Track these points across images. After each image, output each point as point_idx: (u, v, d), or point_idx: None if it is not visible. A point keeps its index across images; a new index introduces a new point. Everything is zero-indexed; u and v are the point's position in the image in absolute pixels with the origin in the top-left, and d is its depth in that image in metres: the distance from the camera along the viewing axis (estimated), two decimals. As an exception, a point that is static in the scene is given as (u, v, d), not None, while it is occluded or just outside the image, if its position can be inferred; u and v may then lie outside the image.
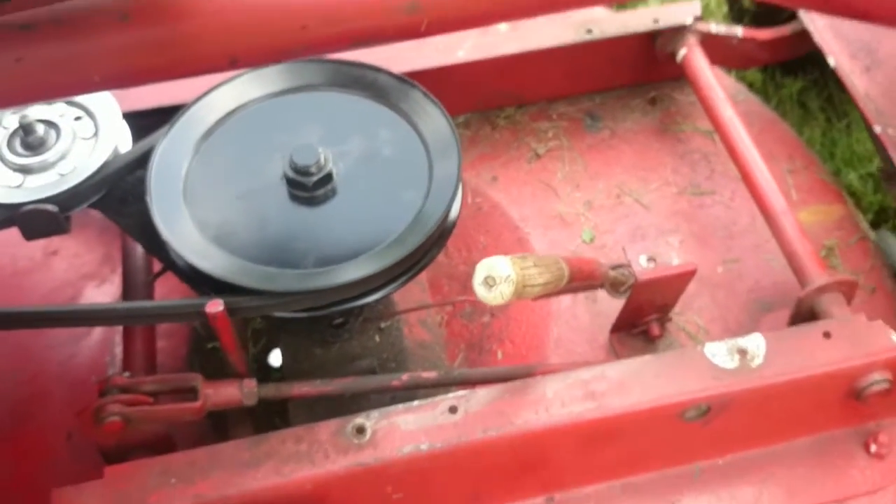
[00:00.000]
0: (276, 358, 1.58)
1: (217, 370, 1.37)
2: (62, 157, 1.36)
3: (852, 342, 1.30)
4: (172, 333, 1.59)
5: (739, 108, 1.74)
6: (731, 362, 1.27)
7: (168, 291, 1.54)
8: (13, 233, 1.70)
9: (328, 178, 1.33)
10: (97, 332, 1.59)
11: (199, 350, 1.58)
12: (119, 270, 1.66)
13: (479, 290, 1.09)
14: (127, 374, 1.28)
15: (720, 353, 1.28)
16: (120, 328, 1.58)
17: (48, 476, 1.44)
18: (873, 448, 1.37)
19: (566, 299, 1.60)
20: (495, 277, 1.08)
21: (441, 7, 1.11)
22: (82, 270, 1.67)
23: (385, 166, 1.38)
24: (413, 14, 1.09)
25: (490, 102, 1.90)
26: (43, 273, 1.68)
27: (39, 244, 1.71)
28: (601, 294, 1.57)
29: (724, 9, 2.47)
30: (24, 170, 1.35)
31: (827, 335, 1.31)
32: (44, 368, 1.56)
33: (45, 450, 1.48)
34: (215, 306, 1.19)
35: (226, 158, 1.37)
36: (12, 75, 1.04)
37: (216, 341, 1.57)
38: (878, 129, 1.63)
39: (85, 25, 1.03)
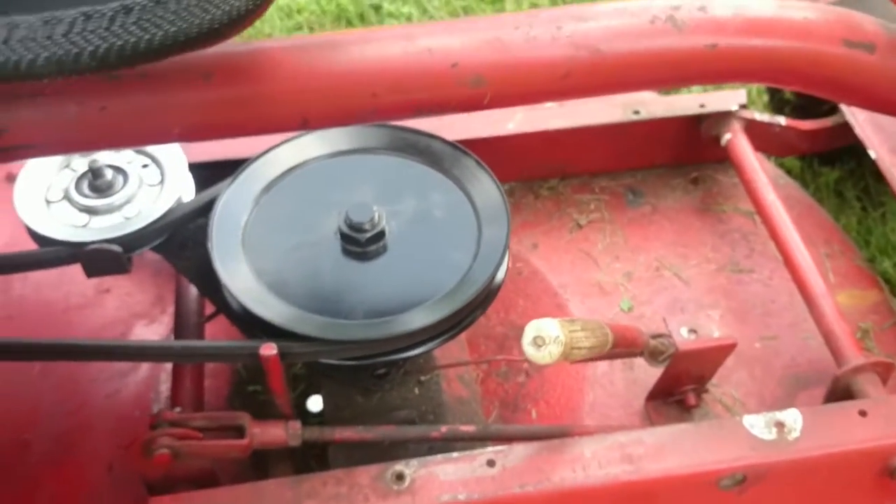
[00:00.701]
0: (314, 403, 1.61)
1: (256, 412, 1.40)
2: (128, 202, 1.43)
3: (888, 421, 1.32)
4: (216, 374, 1.64)
5: (779, 192, 1.78)
6: (769, 434, 1.29)
7: (216, 334, 1.58)
8: (68, 269, 1.77)
9: (381, 235, 1.39)
10: (143, 368, 1.64)
11: (240, 392, 1.62)
12: (169, 311, 1.72)
13: (528, 350, 1.13)
14: (178, 409, 1.32)
15: (758, 424, 1.30)
16: (165, 367, 1.63)
17: (87, 505, 1.48)
18: (906, 529, 1.37)
19: (603, 365, 1.63)
20: (545, 338, 1.12)
21: (504, 82, 1.16)
22: (133, 309, 1.73)
23: (435, 228, 1.43)
24: (478, 87, 1.14)
25: (534, 173, 1.96)
26: (94, 310, 1.73)
27: (93, 282, 1.76)
28: (637, 362, 1.60)
29: (765, 98, 2.53)
30: (91, 211, 1.41)
31: (863, 413, 1.32)
32: (89, 401, 1.60)
33: (87, 480, 1.51)
34: (269, 350, 1.24)
35: (284, 212, 1.43)
36: (96, 122, 1.10)
37: (257, 384, 1.63)
38: (917, 219, 1.67)
39: (169, 80, 1.09)
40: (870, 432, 1.31)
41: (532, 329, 1.11)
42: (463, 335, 1.68)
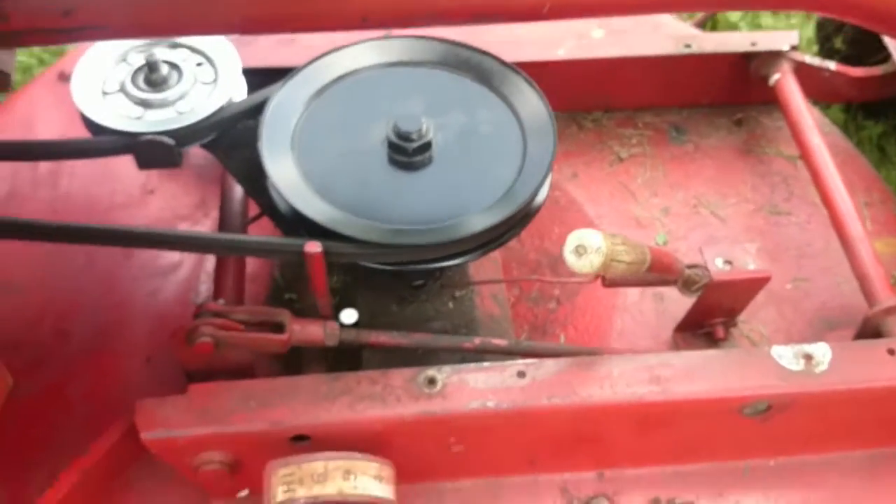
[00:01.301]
0: (347, 316, 1.63)
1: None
2: (181, 97, 1.45)
3: (916, 362, 1.33)
4: (254, 279, 1.67)
5: (823, 139, 1.77)
6: (796, 365, 1.31)
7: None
8: (114, 168, 1.81)
9: (427, 146, 1.40)
10: (184, 269, 1.68)
11: (277, 299, 1.66)
12: (212, 216, 1.75)
13: (570, 258, 1.15)
14: (221, 301, 1.35)
15: (787, 355, 1.32)
16: (206, 268, 1.67)
17: (124, 395, 1.52)
18: (925, 470, 1.39)
19: (633, 294, 1.65)
20: (587, 247, 1.14)
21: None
22: (177, 211, 1.76)
23: (481, 143, 1.45)
24: (537, -6, 1.14)
25: (579, 104, 1.96)
26: (139, 209, 1.77)
27: (138, 182, 1.80)
28: (668, 293, 1.62)
29: (814, 49, 2.50)
30: (145, 104, 1.44)
31: (892, 352, 1.33)
32: (129, 298, 1.65)
33: (124, 371, 1.55)
34: (314, 247, 1.26)
35: (333, 117, 1.45)
36: (163, 6, 1.12)
37: (293, 292, 1.67)
38: (961, 169, 1.66)
39: (232, -28, 1.11)
40: (897, 371, 1.32)
41: (574, 238, 1.13)
42: (499, 257, 1.71)
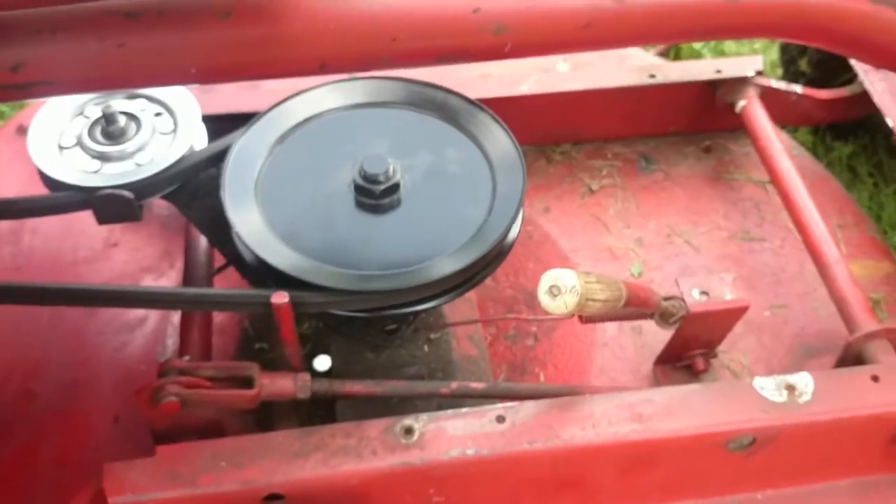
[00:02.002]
0: (321, 363, 1.59)
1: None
2: (140, 149, 1.41)
3: (900, 387, 1.31)
4: (223, 331, 1.63)
5: (793, 162, 1.77)
6: (779, 396, 1.28)
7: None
8: (76, 222, 1.76)
9: (395, 188, 1.38)
10: (151, 322, 1.63)
11: (247, 349, 1.62)
12: (177, 266, 1.71)
13: (544, 299, 1.12)
14: (186, 357, 1.31)
15: (769, 387, 1.29)
16: (172, 321, 1.63)
17: (93, 456, 1.47)
18: (914, 497, 1.37)
19: (612, 329, 1.63)
20: (560, 287, 1.11)
21: (526, 31, 1.14)
22: (142, 263, 1.72)
23: (450, 183, 1.42)
24: (499, 35, 1.13)
25: (548, 137, 1.95)
26: (102, 263, 1.72)
27: (101, 235, 1.76)
28: (646, 326, 1.59)
29: (779, 72, 2.52)
30: (103, 157, 1.40)
31: (875, 378, 1.32)
32: (96, 353, 1.60)
33: (93, 431, 1.51)
34: (281, 298, 1.23)
35: (298, 162, 1.42)
36: (114, 60, 1.09)
37: (265, 342, 1.62)
38: (932, 188, 1.65)
39: (187, 19, 1.08)
40: (882, 398, 1.30)
41: (549, 278, 1.10)
42: (473, 296, 1.68)
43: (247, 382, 1.27)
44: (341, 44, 1.09)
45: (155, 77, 1.14)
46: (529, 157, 1.94)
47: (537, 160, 1.94)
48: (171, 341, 1.62)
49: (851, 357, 1.43)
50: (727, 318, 1.42)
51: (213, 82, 1.15)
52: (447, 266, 1.30)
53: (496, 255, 1.38)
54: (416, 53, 1.12)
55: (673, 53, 2.68)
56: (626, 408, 1.28)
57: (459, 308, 1.61)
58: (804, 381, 1.30)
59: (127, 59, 1.09)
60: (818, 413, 1.27)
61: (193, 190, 1.41)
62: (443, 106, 1.48)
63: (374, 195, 1.35)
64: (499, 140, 1.44)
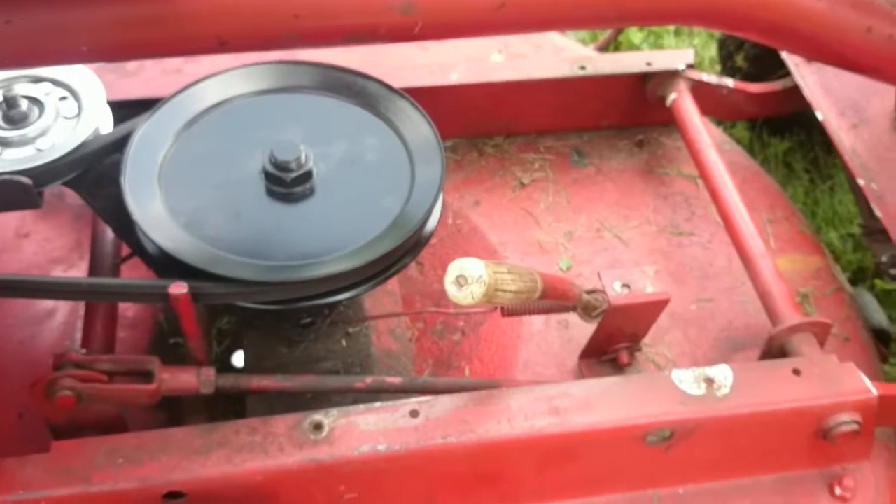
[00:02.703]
0: (239, 359, 1.56)
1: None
2: (42, 134, 1.36)
3: (822, 381, 1.29)
4: (136, 324, 1.57)
5: (725, 157, 1.75)
6: (697, 389, 1.26)
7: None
8: (-14, 214, 1.69)
9: (307, 175, 1.33)
10: (59, 314, 1.57)
11: (161, 344, 1.56)
12: (88, 258, 1.64)
13: (450, 289, 1.08)
14: (83, 350, 1.25)
15: (687, 379, 1.27)
16: (81, 314, 1.56)
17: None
18: (838, 491, 1.35)
19: (538, 323, 1.59)
20: (467, 277, 1.07)
21: (436, 11, 1.11)
22: (52, 255, 1.65)
23: (367, 171, 1.38)
24: (408, 15, 1.09)
25: (479, 130, 1.91)
26: (12, 254, 1.65)
27: (11, 225, 1.69)
28: (573, 320, 1.56)
29: (718, 68, 2.51)
30: (3, 142, 1.34)
31: (797, 372, 1.30)
32: (2, 346, 1.53)
33: (-5, 426, 1.44)
34: (179, 288, 1.17)
35: (205, 149, 1.37)
36: (6, 39, 1.04)
37: (179, 336, 1.57)
38: (861, 182, 1.65)
39: (78, -6, 1.03)
40: (803, 391, 1.28)
41: (455, 268, 1.06)
42: (397, 290, 1.64)
43: (147, 377, 1.22)
44: (241, 20, 1.05)
45: (44, 56, 1.09)
46: (461, 150, 1.91)
47: (469, 153, 1.91)
48: (81, 335, 1.55)
49: (775, 350, 1.41)
50: (649, 311, 1.39)
51: (108, 61, 1.11)
52: (359, 257, 1.25)
53: (413, 246, 1.34)
54: (320, 32, 1.08)
55: (612, 48, 2.66)
56: (543, 401, 1.25)
57: (382, 302, 1.57)
58: (723, 374, 1.27)
59: (15, 36, 1.04)
60: (736, 406, 1.25)
61: (97, 177, 1.35)
62: (361, 92, 1.44)
63: (284, 183, 1.31)
64: (418, 128, 1.40)
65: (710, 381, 1.26)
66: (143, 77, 1.83)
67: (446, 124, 1.70)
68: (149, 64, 1.97)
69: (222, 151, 1.35)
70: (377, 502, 1.26)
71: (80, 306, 1.58)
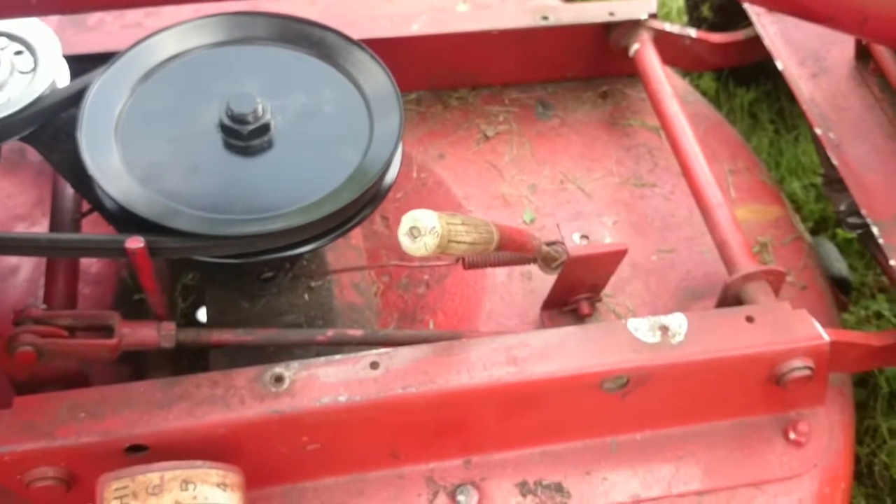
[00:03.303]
0: (203, 315, 1.56)
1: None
2: (-3, 88, 1.34)
3: (775, 328, 1.32)
4: (100, 280, 1.57)
5: (688, 108, 1.76)
6: (652, 337, 1.28)
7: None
8: (-55, 172, 1.67)
9: (265, 128, 1.33)
10: (23, 272, 1.56)
11: (125, 300, 1.56)
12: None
13: (404, 241, 1.09)
14: (43, 306, 1.25)
15: (642, 328, 1.29)
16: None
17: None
18: (792, 435, 1.38)
19: (501, 275, 1.61)
20: (420, 228, 1.08)
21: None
22: (14, 212, 1.64)
23: (325, 123, 1.38)
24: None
25: (443, 82, 1.90)
26: (-28, 212, 1.65)
27: (-28, 184, 1.68)
28: (536, 272, 1.58)
29: (685, 19, 2.50)
30: (-43, 98, 1.33)
31: (750, 319, 1.32)
32: (-35, 305, 1.53)
33: (-42, 386, 1.44)
34: (135, 243, 1.18)
35: (162, 102, 1.36)
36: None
37: (143, 293, 1.57)
38: (819, 131, 1.66)
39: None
40: (756, 338, 1.31)
41: (408, 219, 1.07)
42: (361, 244, 1.64)
43: (107, 331, 1.22)
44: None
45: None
46: (425, 103, 1.90)
47: (433, 105, 1.90)
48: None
49: (730, 298, 1.43)
50: (607, 262, 1.41)
51: (58, 12, 1.09)
52: (317, 210, 1.26)
53: (372, 198, 1.34)
54: None
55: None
56: (501, 351, 1.27)
57: (346, 256, 1.58)
58: (677, 322, 1.30)
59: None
60: (690, 354, 1.27)
61: (54, 132, 1.34)
62: (319, 43, 1.43)
63: (241, 136, 1.30)
64: (377, 79, 1.40)
65: (664, 329, 1.29)
66: (102, 32, 1.80)
67: (409, 76, 1.70)
68: (109, 18, 1.95)
69: (179, 105, 1.34)
70: (340, 453, 1.28)
71: (44, 263, 1.58)
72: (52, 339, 1.19)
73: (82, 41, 1.62)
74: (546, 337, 1.28)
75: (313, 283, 1.46)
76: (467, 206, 1.75)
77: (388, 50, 1.58)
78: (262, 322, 1.40)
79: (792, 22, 1.84)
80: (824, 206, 2.18)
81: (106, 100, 1.31)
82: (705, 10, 2.29)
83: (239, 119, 1.29)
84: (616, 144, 1.85)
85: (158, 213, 1.21)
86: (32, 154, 1.73)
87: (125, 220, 1.25)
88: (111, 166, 1.25)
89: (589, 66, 1.92)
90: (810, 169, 2.27)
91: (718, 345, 1.29)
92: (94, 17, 1.94)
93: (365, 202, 1.32)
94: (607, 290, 1.52)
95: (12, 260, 1.60)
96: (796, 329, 1.32)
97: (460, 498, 1.32)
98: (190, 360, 1.46)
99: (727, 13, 2.20)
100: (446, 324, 1.59)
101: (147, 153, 1.29)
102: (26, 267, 1.59)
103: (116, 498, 1.10)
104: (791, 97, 2.19)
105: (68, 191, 1.47)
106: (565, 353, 1.26)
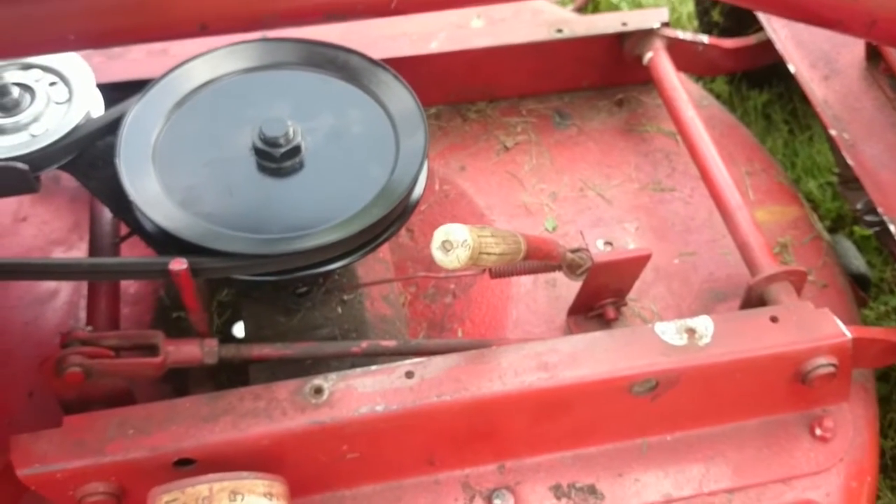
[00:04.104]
0: (239, 330, 1.60)
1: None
2: (35, 120, 1.39)
3: (799, 327, 1.35)
4: (138, 300, 1.62)
5: (703, 112, 1.80)
6: (679, 340, 1.31)
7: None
8: (-18, 200, 1.72)
9: (296, 150, 1.37)
10: (63, 295, 1.61)
11: (163, 318, 1.61)
12: (87, 238, 1.68)
13: (437, 254, 1.13)
14: (89, 328, 1.30)
15: (669, 331, 1.32)
16: (84, 293, 1.61)
17: (6, 432, 1.45)
18: (818, 431, 1.41)
19: (526, 283, 1.64)
20: (452, 242, 1.12)
21: (412, -14, 1.14)
22: (51, 237, 1.69)
23: (353, 143, 1.42)
24: (385, -11, 1.12)
25: (462, 96, 1.94)
26: (11, 238, 1.69)
27: (9, 210, 1.73)
28: (560, 279, 1.61)
29: (696, 23, 2.54)
30: (-3, 130, 1.38)
31: (774, 319, 1.35)
32: (7, 328, 1.58)
33: (5, 406, 1.49)
34: (179, 264, 1.22)
35: (196, 127, 1.40)
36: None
37: (181, 310, 1.61)
38: (833, 132, 1.69)
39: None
40: (781, 337, 1.34)
41: (441, 234, 1.11)
42: (389, 257, 1.68)
43: (152, 350, 1.27)
44: (221, 4, 1.08)
45: (33, 46, 1.11)
46: (445, 117, 1.94)
47: (453, 119, 1.95)
48: (84, 314, 1.60)
49: (754, 299, 1.46)
50: (632, 267, 1.44)
51: (94, 48, 1.13)
52: (350, 226, 1.30)
53: (401, 213, 1.38)
54: (299, 12, 1.11)
55: (591, 8, 2.69)
56: (532, 357, 1.30)
57: (374, 269, 1.62)
58: (704, 324, 1.33)
59: (2, 28, 1.06)
60: (718, 355, 1.30)
61: (91, 159, 1.39)
62: (344, 66, 1.47)
63: (274, 158, 1.35)
64: (401, 98, 1.44)
65: (691, 332, 1.32)
66: (128, 59, 1.85)
67: (429, 92, 1.74)
68: (134, 47, 2.00)
69: (213, 130, 1.39)
70: (377, 460, 1.32)
71: (83, 286, 1.63)
72: (99, 359, 1.24)
73: (109, 69, 1.67)
74: (575, 342, 1.32)
75: (345, 297, 1.50)
76: (490, 215, 1.79)
77: (408, 68, 1.62)
78: (298, 336, 1.44)
79: (802, 24, 1.87)
80: (841, 205, 2.21)
81: (142, 127, 1.36)
82: (715, 15, 2.32)
83: (271, 142, 1.34)
84: (633, 150, 1.89)
85: (200, 235, 1.25)
86: (66, 180, 1.78)
87: (165, 242, 1.30)
88: (151, 191, 1.29)
89: (603, 75, 1.96)
90: (826, 168, 2.30)
91: (745, 345, 1.32)
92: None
93: (394, 217, 1.36)
94: (632, 294, 1.56)
95: (51, 284, 1.65)
96: (820, 328, 1.35)
97: (497, 502, 1.35)
98: (229, 375, 1.50)
99: (737, 17, 2.24)
100: (474, 332, 1.63)
101: (184, 177, 1.33)
102: (65, 290, 1.64)
103: (167, 510, 1.14)
104: (804, 98, 2.23)
105: (106, 216, 1.52)
106: (594, 358, 1.30)
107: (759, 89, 2.47)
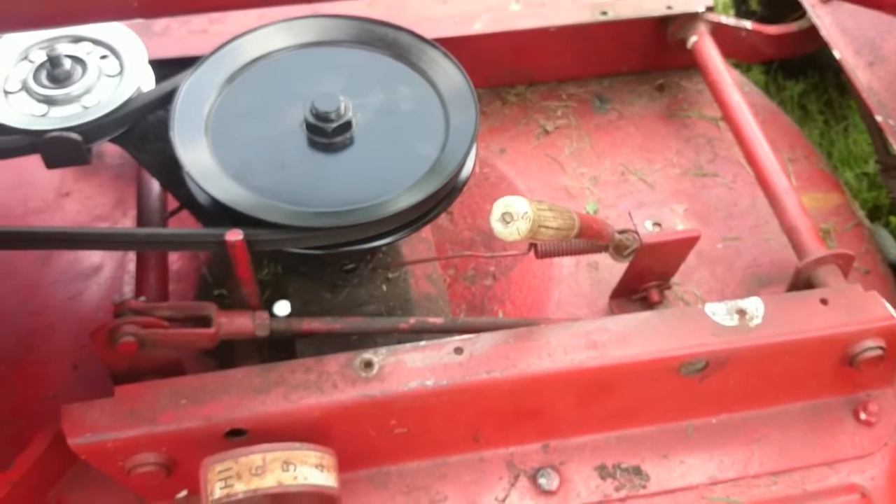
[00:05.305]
0: (280, 308, 1.60)
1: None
2: (87, 92, 1.39)
3: (848, 309, 1.34)
4: (181, 278, 1.62)
5: (744, 98, 1.79)
6: (730, 321, 1.31)
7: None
8: (25, 174, 1.74)
9: (347, 125, 1.37)
10: (106, 270, 1.62)
11: (206, 295, 1.61)
12: (130, 215, 1.70)
13: (497, 226, 1.12)
14: (142, 298, 1.30)
15: (720, 312, 1.32)
16: (128, 269, 1.62)
17: (51, 404, 1.47)
18: (863, 416, 1.41)
19: (568, 265, 1.64)
20: (513, 214, 1.12)
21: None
22: (94, 212, 1.70)
23: (403, 120, 1.42)
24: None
25: (502, 79, 1.94)
26: (54, 213, 1.70)
27: (52, 186, 1.74)
28: (603, 262, 1.61)
29: (731, 12, 2.53)
30: (49, 101, 1.38)
31: (824, 301, 1.35)
32: (51, 303, 1.59)
33: (51, 378, 1.50)
34: (235, 235, 1.22)
35: (248, 102, 1.41)
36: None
37: (223, 288, 1.62)
38: (879, 118, 1.68)
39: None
40: (831, 320, 1.33)
41: (501, 206, 1.11)
42: (431, 237, 1.68)
43: (205, 322, 1.27)
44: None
45: (96, 12, 1.11)
46: (484, 100, 1.94)
47: (492, 102, 1.94)
48: (129, 289, 1.61)
49: (802, 282, 1.46)
50: (680, 249, 1.44)
51: (158, 15, 1.13)
52: (401, 202, 1.30)
53: (450, 191, 1.38)
54: None
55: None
56: (581, 336, 1.30)
57: (417, 248, 1.62)
58: (755, 306, 1.32)
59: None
60: (768, 336, 1.30)
61: (143, 133, 1.39)
62: (393, 44, 1.47)
63: (326, 133, 1.35)
64: (450, 76, 1.44)
65: (742, 313, 1.31)
66: (171, 37, 1.86)
67: (470, 74, 1.74)
68: (175, 25, 2.00)
69: (265, 104, 1.39)
70: (424, 436, 1.32)
71: (126, 262, 1.64)
72: (153, 329, 1.24)
73: (152, 47, 1.68)
74: (625, 322, 1.32)
75: (390, 275, 1.50)
76: (530, 198, 1.78)
77: (451, 48, 1.61)
78: (343, 312, 1.44)
79: (847, 11, 1.86)
80: (877, 195, 2.20)
81: (195, 101, 1.36)
82: (753, 4, 2.32)
83: (323, 117, 1.34)
84: (675, 136, 1.88)
85: (254, 207, 1.25)
86: (109, 157, 1.79)
87: (217, 215, 1.30)
88: (205, 164, 1.30)
89: (644, 59, 1.95)
90: (861, 158, 2.29)
91: (795, 327, 1.31)
92: (161, 24, 2.00)
93: (444, 195, 1.36)
94: (675, 278, 1.55)
95: (95, 259, 1.66)
96: (869, 310, 1.35)
97: (542, 481, 1.35)
98: (271, 351, 1.50)
99: (775, 6, 2.23)
100: (515, 313, 1.63)
101: (236, 151, 1.34)
102: (109, 265, 1.65)
103: (221, 479, 1.14)
104: (840, 88, 2.22)
105: (154, 191, 1.52)
106: (644, 337, 1.29)
107: (795, 79, 2.46)
